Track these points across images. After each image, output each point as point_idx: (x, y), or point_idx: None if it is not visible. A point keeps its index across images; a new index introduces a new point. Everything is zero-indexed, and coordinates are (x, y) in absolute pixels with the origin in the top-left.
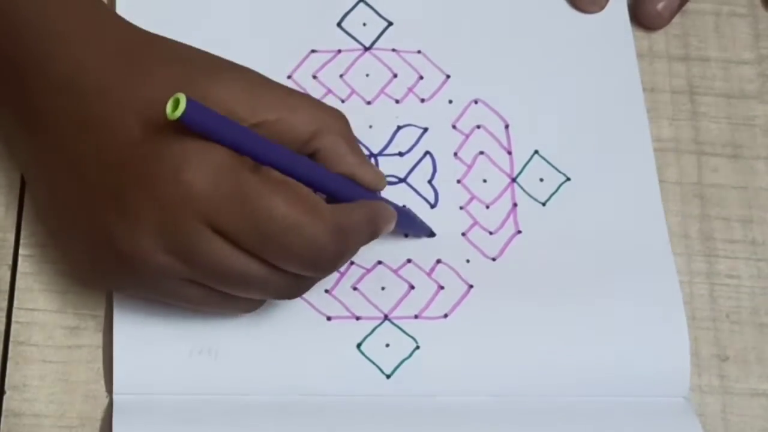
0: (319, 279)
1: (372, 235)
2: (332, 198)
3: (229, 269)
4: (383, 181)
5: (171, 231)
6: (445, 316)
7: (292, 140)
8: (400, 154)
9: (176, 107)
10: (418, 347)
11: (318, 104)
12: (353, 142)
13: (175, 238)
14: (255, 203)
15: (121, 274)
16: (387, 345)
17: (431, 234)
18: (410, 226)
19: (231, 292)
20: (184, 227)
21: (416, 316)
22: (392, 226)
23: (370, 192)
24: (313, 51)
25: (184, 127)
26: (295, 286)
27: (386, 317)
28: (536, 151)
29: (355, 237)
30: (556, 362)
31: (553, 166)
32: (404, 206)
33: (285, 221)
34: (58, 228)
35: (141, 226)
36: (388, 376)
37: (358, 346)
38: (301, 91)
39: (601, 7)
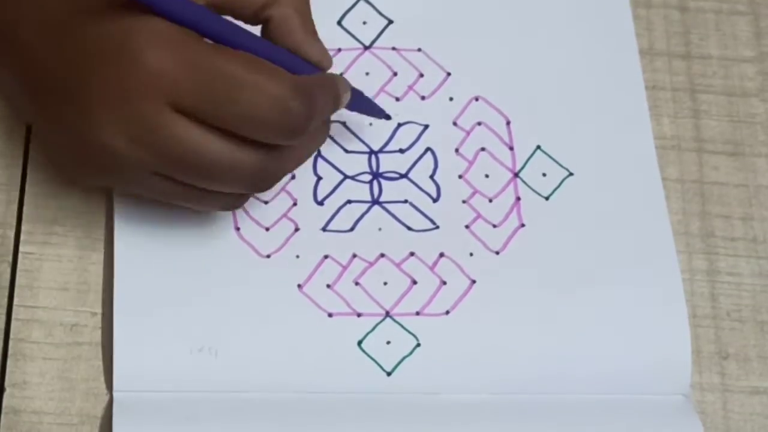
0: (290, 164)
1: (335, 102)
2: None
3: (194, 150)
4: (329, 59)
5: (132, 117)
6: (447, 312)
7: (243, 7)
8: (401, 151)
9: None
10: (419, 344)
11: None
12: (306, 17)
13: (137, 124)
14: (213, 72)
15: (94, 169)
16: (388, 342)
17: (387, 117)
18: (366, 106)
19: (201, 183)
20: (143, 110)
21: (418, 313)
22: (348, 96)
23: (315, 69)
24: None
25: (125, 4)
26: (266, 167)
27: (388, 314)
28: (538, 147)
29: (319, 98)
30: (557, 360)
31: (555, 161)
32: (354, 88)
33: (244, 82)
34: (38, 127)
35: (101, 117)
36: (388, 374)
37: (359, 343)
38: None
39: None
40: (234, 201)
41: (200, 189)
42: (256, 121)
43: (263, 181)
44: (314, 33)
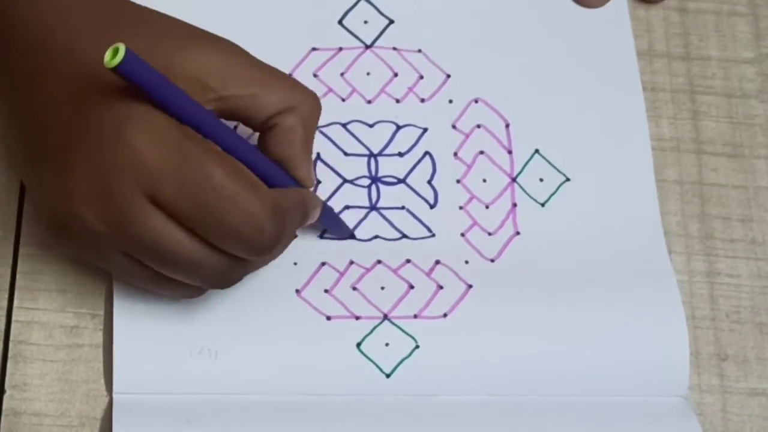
0: (254, 268)
1: (303, 219)
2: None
3: (163, 244)
4: (312, 180)
5: (108, 198)
6: (445, 315)
7: (258, 115)
8: (400, 154)
9: (115, 56)
10: (417, 346)
11: (293, 85)
12: (309, 132)
13: (110, 206)
14: (195, 171)
15: (64, 235)
16: (387, 344)
17: (351, 235)
18: (331, 222)
19: (164, 272)
20: (120, 196)
21: (416, 316)
22: (318, 213)
23: (296, 185)
24: (314, 49)
25: (125, 90)
26: (230, 271)
27: (386, 317)
28: (537, 150)
29: (291, 219)
30: (555, 362)
31: (553, 166)
32: (325, 203)
33: (224, 192)
34: (24, 180)
35: (78, 190)
36: (387, 376)
37: (358, 345)
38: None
39: (604, 2)
40: (197, 292)
41: (164, 276)
42: (229, 235)
43: (225, 281)
44: (310, 150)
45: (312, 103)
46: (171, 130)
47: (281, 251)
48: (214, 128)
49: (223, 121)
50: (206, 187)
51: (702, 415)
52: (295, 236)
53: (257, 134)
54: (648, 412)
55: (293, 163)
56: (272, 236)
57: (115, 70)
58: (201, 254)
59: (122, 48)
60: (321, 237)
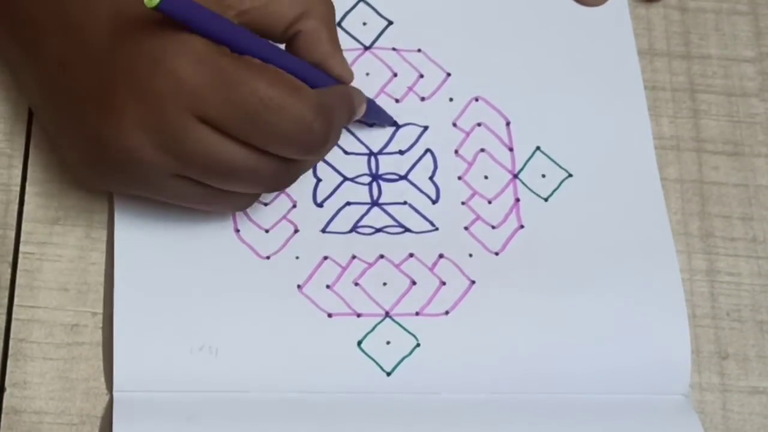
0: (308, 166)
1: (350, 115)
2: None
3: (218, 159)
4: (350, 73)
5: (157, 124)
6: (447, 313)
7: (276, 23)
8: (401, 152)
9: None
10: (418, 345)
11: None
12: (332, 31)
13: (161, 130)
14: (239, 87)
15: (113, 172)
16: (388, 342)
17: (394, 123)
18: (377, 115)
19: (221, 185)
20: (169, 119)
21: (417, 313)
22: (364, 108)
23: (335, 82)
24: None
25: (161, 21)
26: (285, 172)
27: (387, 314)
28: (538, 148)
29: (337, 115)
30: (557, 360)
31: (555, 163)
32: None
33: (271, 102)
34: (55, 132)
35: (126, 122)
36: (388, 374)
37: (359, 343)
38: None
39: (604, 0)
40: (247, 201)
41: (218, 190)
42: (279, 140)
43: (282, 183)
44: (339, 46)
45: (325, 5)
46: (210, 52)
47: (331, 147)
48: (250, 43)
49: None
50: (253, 100)
51: (702, 413)
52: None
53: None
54: (649, 410)
55: (327, 63)
56: (321, 134)
57: (157, 8)
58: (256, 162)
59: None
60: (323, 231)
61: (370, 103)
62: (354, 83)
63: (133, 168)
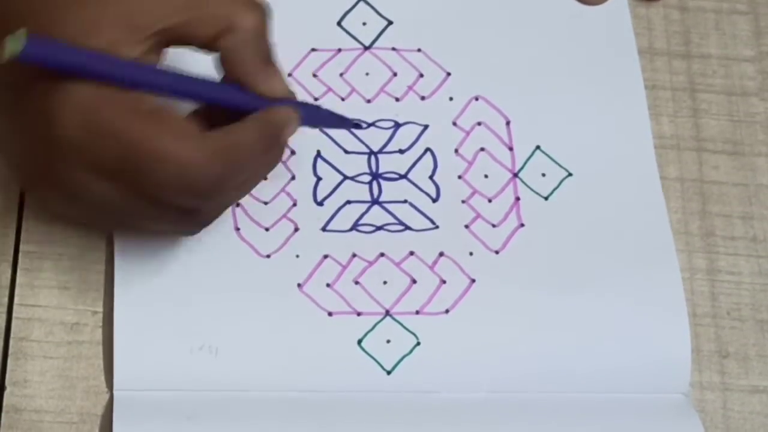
0: (221, 207)
1: (269, 147)
2: (230, 107)
3: (117, 206)
4: (279, 90)
5: (58, 181)
6: (447, 311)
7: (196, 42)
8: (401, 151)
9: (16, 44)
10: (418, 343)
11: (228, 2)
12: (259, 44)
13: (59, 185)
14: (122, 138)
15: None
16: (388, 341)
17: (356, 125)
18: (330, 121)
19: (138, 226)
20: (62, 174)
21: (417, 312)
22: (293, 128)
23: (273, 99)
24: (313, 50)
25: (52, 76)
26: (192, 217)
27: (387, 313)
28: (538, 147)
29: (239, 155)
30: (557, 358)
31: (555, 162)
32: (311, 105)
33: (154, 152)
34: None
35: (28, 177)
36: (388, 372)
37: (359, 342)
38: None
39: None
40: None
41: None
42: (164, 188)
43: (195, 226)
44: (266, 61)
45: (253, 17)
46: (95, 102)
47: (249, 185)
48: (145, 79)
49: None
50: (136, 152)
51: (703, 412)
52: (279, 159)
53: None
54: (649, 409)
55: (249, 82)
56: (212, 179)
57: (19, 58)
58: (155, 210)
59: (21, 36)
60: (323, 229)
61: (319, 112)
62: (353, 84)
63: (48, 206)
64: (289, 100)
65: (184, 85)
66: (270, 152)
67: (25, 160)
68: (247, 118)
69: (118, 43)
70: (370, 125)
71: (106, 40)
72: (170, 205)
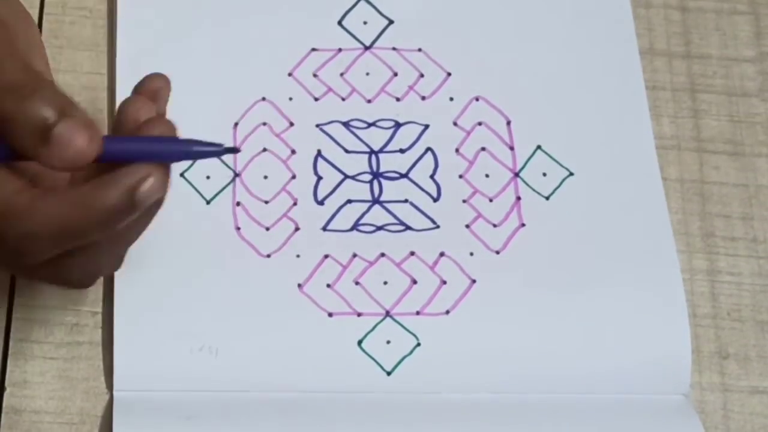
0: (107, 259)
1: (131, 207)
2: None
3: None
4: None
5: None
6: (447, 312)
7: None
8: (401, 151)
9: None
10: (419, 344)
11: None
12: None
13: None
14: None
15: None
16: (388, 342)
17: (229, 150)
18: (203, 152)
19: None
20: None
21: (418, 313)
22: (152, 180)
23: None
24: (313, 49)
25: None
26: (54, 272)
27: (388, 313)
28: (539, 147)
29: (76, 221)
30: (557, 359)
31: (556, 161)
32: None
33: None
34: None
35: None
36: (388, 373)
37: (359, 342)
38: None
39: None
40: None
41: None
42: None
43: (79, 282)
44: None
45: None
46: None
47: (141, 230)
48: None
49: None
50: None
51: (703, 413)
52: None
53: None
54: (649, 410)
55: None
56: (44, 242)
57: None
58: (27, 269)
59: None
60: (324, 229)
61: (186, 144)
62: (354, 84)
63: None
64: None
65: None
66: (125, 209)
67: None
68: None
69: None
70: (369, 125)
71: None
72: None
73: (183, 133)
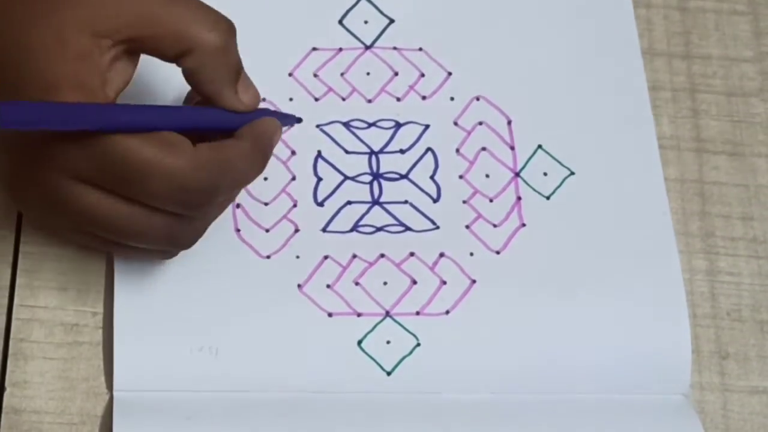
0: (209, 217)
1: (261, 159)
2: (207, 130)
3: (104, 216)
4: (249, 104)
5: (41, 186)
6: (447, 312)
7: (161, 57)
8: (402, 151)
9: None
10: (419, 344)
11: (187, 24)
12: (223, 63)
13: (45, 193)
14: (108, 148)
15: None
16: (388, 342)
17: (298, 120)
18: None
19: (116, 239)
20: (51, 183)
21: (418, 313)
22: (279, 136)
23: (243, 114)
24: (314, 49)
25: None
26: (180, 228)
27: (388, 314)
28: (540, 146)
29: (223, 167)
30: (557, 359)
31: (557, 161)
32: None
33: (141, 162)
34: None
35: (16, 185)
36: (388, 374)
37: (359, 343)
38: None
39: None
40: (162, 254)
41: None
42: (155, 198)
43: (182, 239)
44: (231, 81)
45: (215, 37)
46: None
47: (230, 197)
48: (115, 121)
49: None
50: (123, 161)
51: (703, 413)
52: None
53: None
54: (649, 410)
55: (215, 100)
56: (199, 189)
57: None
58: (145, 219)
59: None
60: (324, 230)
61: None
62: (354, 83)
63: (35, 221)
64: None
65: (154, 119)
66: (259, 163)
67: (16, 172)
68: (237, 134)
69: (87, 53)
70: (370, 125)
71: (73, 51)
72: (160, 215)
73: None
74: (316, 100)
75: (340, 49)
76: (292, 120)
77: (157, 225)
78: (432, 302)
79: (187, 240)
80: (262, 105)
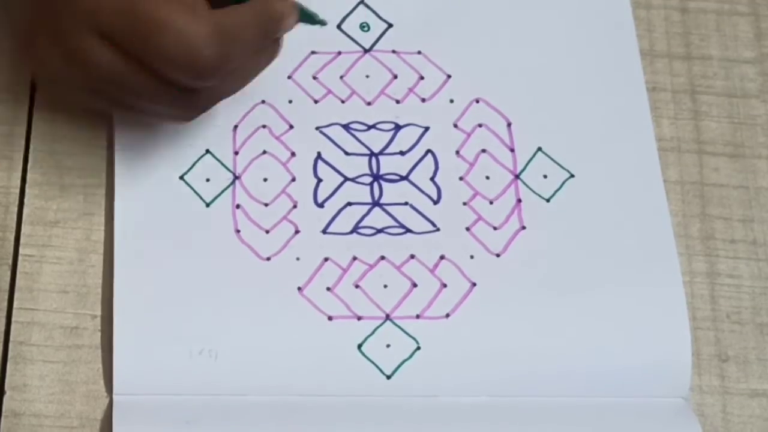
0: (216, 94)
1: (262, 34)
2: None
3: (118, 79)
4: None
5: (64, 40)
6: (447, 315)
7: None
8: (402, 153)
9: None
10: (419, 348)
11: None
12: None
13: (67, 45)
14: (135, 6)
15: (43, 76)
16: (388, 345)
17: (323, 22)
18: (307, 18)
19: (130, 103)
20: (74, 35)
21: (418, 316)
22: (288, 22)
23: None
24: (313, 52)
25: None
26: (187, 98)
27: (388, 317)
28: (539, 148)
29: (240, 38)
30: (557, 362)
31: (557, 163)
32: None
33: (159, 21)
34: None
35: (35, 41)
36: (388, 377)
37: (359, 346)
38: None
39: None
40: (177, 118)
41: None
42: (166, 61)
43: (189, 110)
44: None
45: None
46: None
47: (245, 75)
48: None
49: None
50: (143, 18)
51: (702, 416)
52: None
53: None
54: (649, 413)
55: None
56: (212, 59)
57: None
58: (155, 83)
59: None
60: (324, 232)
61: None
62: (353, 86)
63: (51, 77)
64: None
65: None
66: (266, 42)
67: (38, 25)
68: (240, 6)
69: None
70: (369, 128)
71: None
72: (170, 82)
73: (183, 134)
74: (316, 102)
75: (339, 53)
76: (315, 19)
77: (168, 92)
78: (432, 305)
79: (196, 109)
80: (260, 106)
